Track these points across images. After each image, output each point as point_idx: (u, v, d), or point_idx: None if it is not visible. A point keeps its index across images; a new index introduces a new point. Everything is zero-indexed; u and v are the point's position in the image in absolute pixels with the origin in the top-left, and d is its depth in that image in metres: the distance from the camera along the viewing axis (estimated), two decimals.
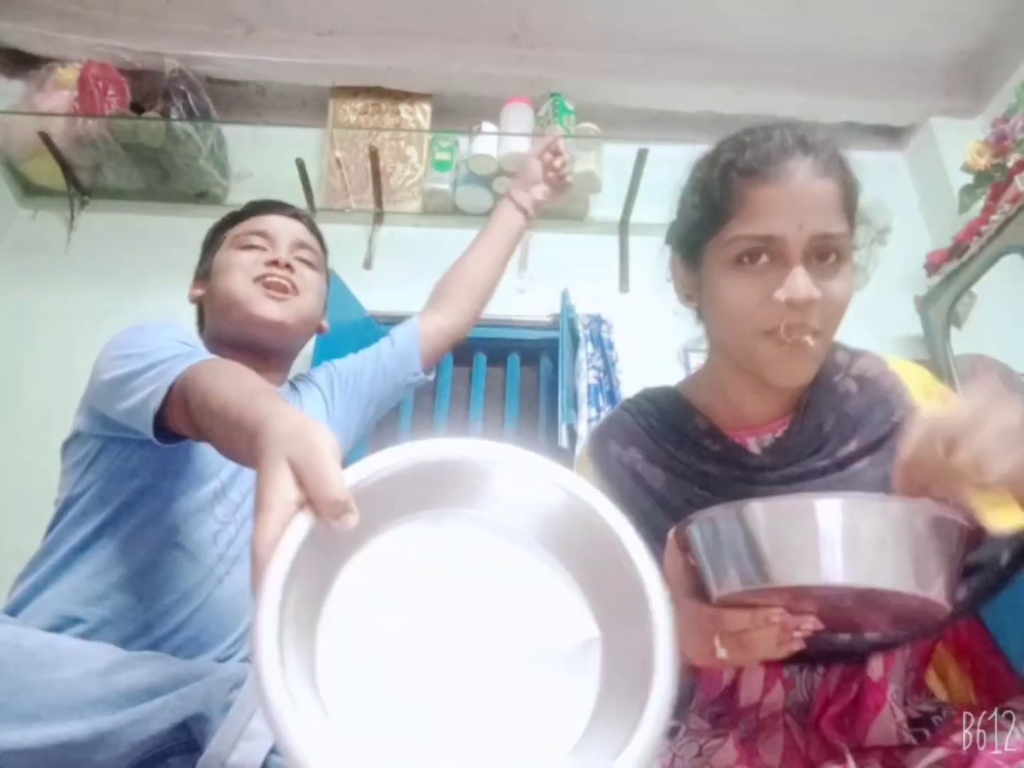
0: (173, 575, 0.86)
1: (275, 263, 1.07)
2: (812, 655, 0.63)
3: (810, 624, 0.55)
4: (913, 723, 0.68)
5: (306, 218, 1.21)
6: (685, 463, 0.80)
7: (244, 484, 0.97)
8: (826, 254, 0.70)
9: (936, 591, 0.52)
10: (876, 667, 0.70)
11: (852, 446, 0.74)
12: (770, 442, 0.79)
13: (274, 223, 1.13)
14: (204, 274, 1.15)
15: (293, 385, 1.17)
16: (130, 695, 0.65)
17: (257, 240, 1.10)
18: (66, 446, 0.98)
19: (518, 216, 1.29)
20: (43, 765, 0.62)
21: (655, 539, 0.55)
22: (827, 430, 0.76)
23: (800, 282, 0.68)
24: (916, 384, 0.80)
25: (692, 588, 0.60)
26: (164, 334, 0.87)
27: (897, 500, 0.55)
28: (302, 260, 1.13)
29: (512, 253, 1.32)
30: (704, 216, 0.75)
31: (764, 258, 0.70)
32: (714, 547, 0.58)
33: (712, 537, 0.58)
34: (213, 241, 1.17)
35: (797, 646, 0.56)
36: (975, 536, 0.53)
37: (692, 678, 0.76)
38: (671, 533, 0.61)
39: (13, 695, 0.63)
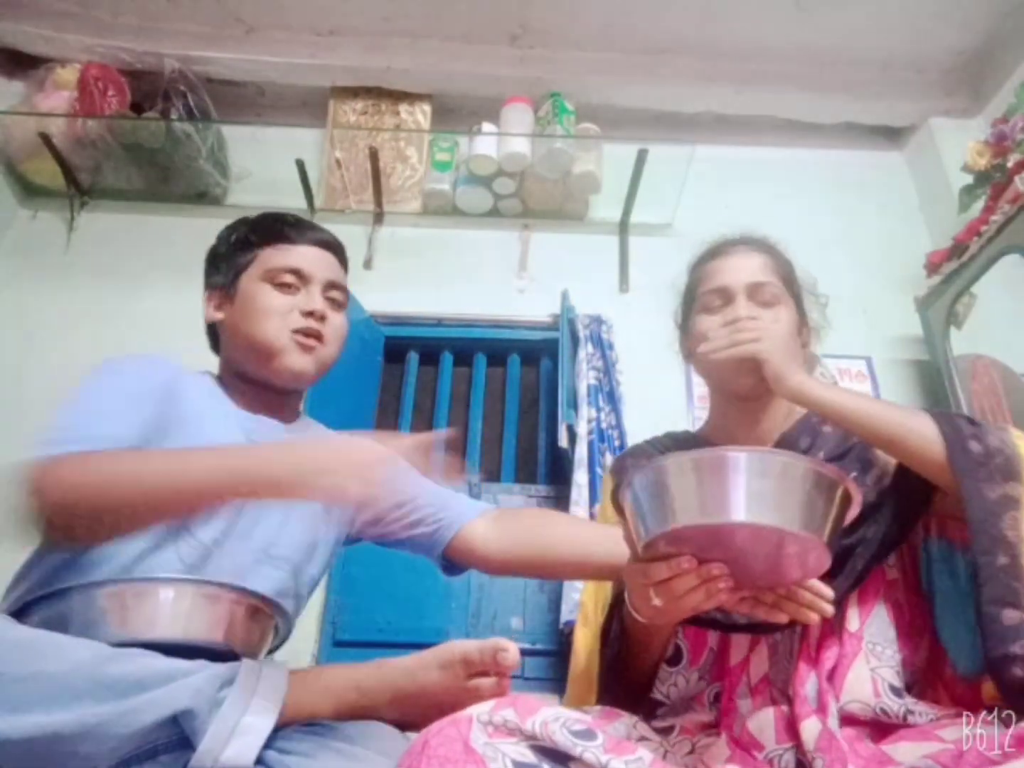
0: None
1: (311, 314, 1.05)
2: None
3: (716, 569, 0.64)
4: (896, 691, 0.73)
5: (336, 246, 1.15)
6: None
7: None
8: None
9: (816, 533, 0.60)
10: (853, 618, 0.79)
11: (820, 456, 0.87)
12: None
13: (309, 258, 1.09)
14: (225, 293, 1.09)
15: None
16: (117, 688, 0.64)
17: (291, 279, 1.06)
18: None
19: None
20: (30, 757, 0.61)
21: None
22: (802, 447, 0.90)
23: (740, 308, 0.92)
24: None
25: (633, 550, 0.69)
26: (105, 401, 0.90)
27: (794, 457, 0.63)
28: (332, 301, 1.10)
29: (592, 578, 1.11)
30: (686, 293, 1.03)
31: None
32: (636, 505, 0.66)
33: (634, 497, 0.66)
34: (237, 252, 1.10)
35: (724, 596, 0.65)
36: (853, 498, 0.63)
37: (678, 640, 0.84)
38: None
39: None
